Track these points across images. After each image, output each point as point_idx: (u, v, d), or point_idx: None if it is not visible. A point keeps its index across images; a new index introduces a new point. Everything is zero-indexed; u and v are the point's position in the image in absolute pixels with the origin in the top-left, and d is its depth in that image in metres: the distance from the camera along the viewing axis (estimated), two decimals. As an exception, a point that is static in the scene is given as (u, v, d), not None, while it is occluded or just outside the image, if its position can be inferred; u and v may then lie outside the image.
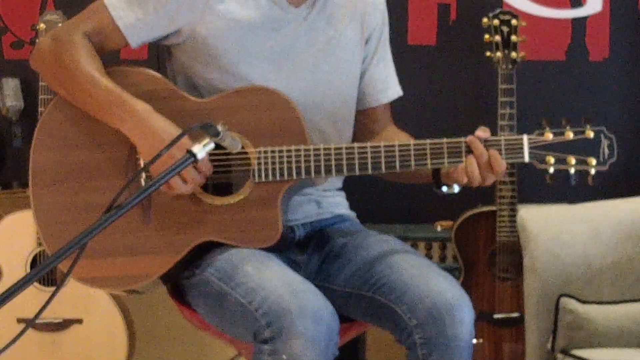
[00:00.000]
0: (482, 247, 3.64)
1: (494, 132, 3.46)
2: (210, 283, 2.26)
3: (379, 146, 2.25)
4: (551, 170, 2.21)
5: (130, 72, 2.35)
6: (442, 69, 4.12)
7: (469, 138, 2.23)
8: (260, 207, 2.27)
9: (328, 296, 2.19)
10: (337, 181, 2.53)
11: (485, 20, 3.65)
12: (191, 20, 2.33)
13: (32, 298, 3.29)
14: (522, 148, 2.21)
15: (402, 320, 2.22)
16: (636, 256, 3.09)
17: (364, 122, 2.52)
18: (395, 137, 2.46)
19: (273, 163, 2.26)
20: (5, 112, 3.95)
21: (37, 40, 3.66)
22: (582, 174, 2.22)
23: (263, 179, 2.27)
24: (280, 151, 2.26)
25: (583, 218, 3.16)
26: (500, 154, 2.21)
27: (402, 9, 4.04)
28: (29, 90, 3.97)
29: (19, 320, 3.56)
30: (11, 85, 3.97)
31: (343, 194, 2.57)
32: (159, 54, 2.47)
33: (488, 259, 3.63)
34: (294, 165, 2.26)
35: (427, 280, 2.24)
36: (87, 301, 3.60)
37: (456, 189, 2.29)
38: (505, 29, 3.63)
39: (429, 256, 3.79)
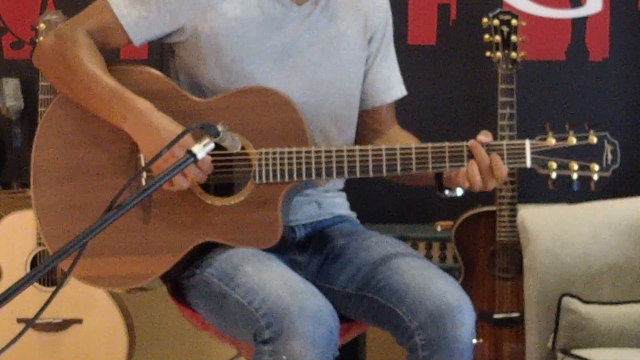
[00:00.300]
0: (482, 247, 3.64)
1: (494, 132, 3.47)
2: (211, 283, 2.26)
3: (381, 149, 2.25)
4: (553, 175, 2.20)
5: (132, 70, 2.35)
6: (442, 69, 4.12)
7: (471, 142, 2.22)
8: (261, 209, 2.27)
9: (328, 297, 2.19)
10: (338, 182, 2.53)
11: (485, 20, 3.65)
12: (193, 18, 2.33)
13: (32, 298, 3.29)
14: (524, 153, 2.20)
15: (403, 322, 2.22)
16: (636, 256, 3.09)
17: (368, 122, 2.52)
18: (400, 138, 2.46)
19: (274, 164, 2.26)
20: (5, 112, 3.95)
21: (37, 40, 3.66)
22: (585, 180, 2.20)
23: (264, 180, 2.26)
24: (282, 152, 2.26)
25: (583, 218, 3.16)
26: (502, 158, 2.20)
27: (402, 9, 4.04)
28: (29, 90, 3.97)
29: (19, 320, 3.56)
30: (11, 85, 3.97)
31: (344, 194, 2.57)
32: (162, 52, 2.47)
33: (488, 259, 3.63)
34: (294, 167, 2.26)
35: (428, 282, 2.23)
36: (87, 301, 3.60)
37: (459, 192, 2.28)
38: (505, 29, 3.63)
39: (428, 256, 3.79)
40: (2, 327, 3.51)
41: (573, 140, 2.19)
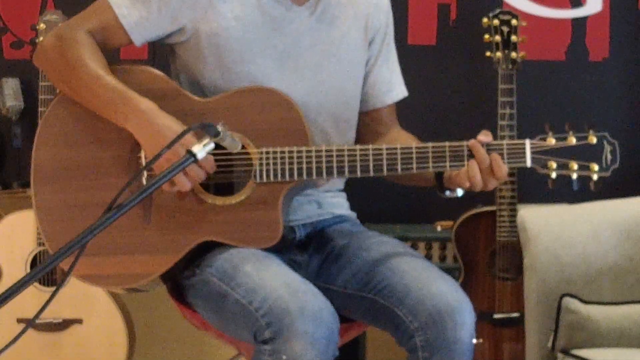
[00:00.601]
0: (482, 247, 3.64)
1: (494, 132, 3.47)
2: (211, 283, 2.26)
3: (381, 148, 2.25)
4: (553, 175, 2.20)
5: (133, 70, 2.35)
6: (442, 69, 4.12)
7: (471, 142, 2.22)
8: (261, 208, 2.27)
9: (328, 297, 2.19)
10: (338, 182, 2.53)
11: (485, 20, 3.65)
12: (194, 19, 2.33)
13: (32, 298, 3.30)
14: (524, 153, 2.20)
15: (403, 323, 2.22)
16: (636, 256, 3.09)
17: (369, 123, 2.52)
18: (401, 139, 2.46)
19: (275, 164, 2.26)
20: (5, 112, 3.95)
21: (37, 40, 3.67)
22: (585, 180, 2.21)
23: (264, 180, 2.26)
24: (282, 152, 2.26)
25: (583, 218, 3.16)
26: (502, 158, 2.21)
27: (402, 9, 4.04)
28: (29, 90, 3.97)
29: (19, 320, 3.56)
30: (11, 85, 3.96)
31: (344, 194, 2.57)
32: (165, 53, 2.47)
33: (488, 259, 3.63)
34: (295, 166, 2.26)
35: (429, 283, 2.23)
36: (87, 301, 3.60)
37: (459, 193, 2.29)
38: (505, 29, 3.64)
39: (428, 256, 3.79)
40: (2, 327, 3.51)
41: (573, 140, 2.19)
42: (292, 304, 2.10)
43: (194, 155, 1.98)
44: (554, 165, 2.20)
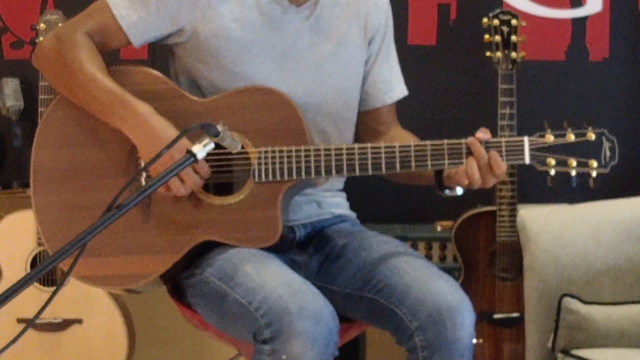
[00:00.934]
0: (482, 247, 3.64)
1: (494, 132, 3.46)
2: (210, 283, 2.26)
3: (380, 147, 2.25)
4: (552, 172, 2.20)
5: (131, 71, 2.35)
6: (442, 69, 4.11)
7: (469, 140, 2.22)
8: (261, 207, 2.27)
9: (328, 297, 2.19)
10: (337, 182, 2.53)
11: (485, 20, 3.65)
12: (193, 20, 2.33)
13: (32, 298, 3.29)
14: (522, 150, 2.21)
15: (403, 323, 2.22)
16: (636, 256, 3.09)
17: (369, 123, 2.52)
18: (401, 139, 2.46)
19: (273, 163, 2.26)
20: (5, 112, 3.95)
21: (37, 40, 3.66)
22: (584, 176, 2.21)
23: (263, 179, 2.27)
24: (281, 151, 2.26)
25: (583, 218, 3.16)
26: (501, 155, 2.21)
27: (402, 9, 4.03)
28: (29, 90, 3.97)
29: (19, 320, 3.55)
30: (11, 85, 3.96)
31: (344, 194, 2.57)
32: (165, 53, 2.47)
33: (488, 259, 3.63)
34: (294, 166, 2.26)
35: (428, 283, 2.23)
36: (87, 301, 3.60)
37: (459, 191, 2.28)
38: (505, 29, 3.63)
39: (429, 256, 3.79)
40: (2, 327, 3.51)
41: (571, 137, 2.20)
42: (291, 304, 2.10)
43: (194, 155, 1.98)
44: (552, 162, 2.20)
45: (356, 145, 2.26)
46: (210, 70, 2.36)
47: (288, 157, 2.26)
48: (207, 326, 2.38)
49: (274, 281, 2.16)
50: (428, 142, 2.24)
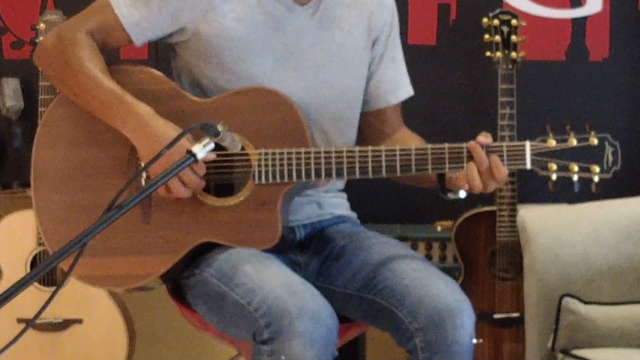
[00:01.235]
0: (482, 247, 3.64)
1: (494, 132, 3.46)
2: (210, 283, 2.26)
3: (380, 150, 2.24)
4: (554, 177, 2.19)
5: (132, 70, 2.35)
6: (442, 69, 4.11)
7: (470, 144, 2.21)
8: (260, 209, 2.27)
9: (328, 297, 2.19)
10: (338, 183, 2.53)
11: (485, 20, 3.65)
12: (194, 19, 2.33)
13: (32, 298, 3.29)
14: (524, 155, 2.19)
15: (403, 324, 2.22)
16: (636, 256, 3.09)
17: (374, 123, 2.52)
18: (406, 140, 2.45)
19: (273, 165, 2.26)
20: (5, 112, 3.95)
21: (37, 40, 3.66)
22: (586, 181, 2.19)
23: (263, 181, 2.26)
24: (281, 153, 2.26)
25: (583, 218, 3.16)
26: (502, 160, 2.20)
27: (402, 9, 4.01)
28: (29, 90, 3.97)
29: (19, 320, 3.55)
30: (11, 85, 3.96)
31: (344, 194, 2.57)
32: (167, 53, 2.47)
33: (488, 259, 3.63)
34: (294, 168, 2.26)
35: (428, 284, 2.23)
36: (87, 301, 3.59)
37: (462, 195, 2.27)
38: (505, 29, 3.63)
39: (429, 256, 3.79)
40: (2, 327, 3.50)
41: (574, 142, 2.18)
42: (291, 304, 2.10)
43: (194, 155, 1.98)
44: (554, 167, 2.19)
45: (357, 148, 2.26)
46: (211, 69, 2.36)
47: (288, 159, 2.26)
48: (207, 326, 2.38)
49: (273, 281, 2.16)
50: (429, 146, 2.23)
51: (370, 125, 2.52)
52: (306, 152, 2.25)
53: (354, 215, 2.58)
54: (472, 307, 2.22)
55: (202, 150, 1.99)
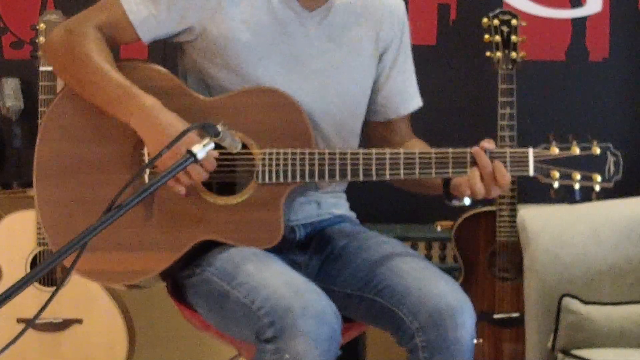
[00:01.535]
0: (482, 247, 3.64)
1: (494, 133, 3.47)
2: (211, 282, 2.26)
3: (384, 153, 2.24)
4: (556, 185, 2.19)
5: (139, 66, 2.35)
6: (442, 69, 4.11)
7: (474, 149, 2.21)
8: (263, 209, 2.27)
9: (328, 297, 2.19)
10: (340, 185, 2.52)
11: (485, 20, 3.65)
12: (202, 19, 2.33)
13: (32, 298, 3.29)
14: (527, 161, 2.19)
15: (404, 323, 2.22)
16: (636, 256, 3.09)
17: (383, 133, 2.51)
18: (414, 148, 2.44)
19: (277, 165, 2.26)
20: (5, 112, 3.95)
21: (37, 41, 3.66)
22: (586, 188, 2.20)
23: (267, 181, 2.26)
24: (285, 153, 2.26)
25: (583, 218, 3.16)
26: (505, 166, 2.20)
27: (402, 9, 4.03)
28: (29, 90, 3.97)
29: (19, 320, 3.55)
30: (11, 85, 3.96)
31: (344, 195, 2.57)
32: (175, 52, 2.47)
33: (488, 259, 3.63)
34: (298, 168, 2.26)
35: (429, 284, 2.23)
36: (87, 301, 3.59)
37: (467, 201, 2.27)
38: (505, 29, 3.63)
39: (428, 256, 3.79)
40: (2, 327, 3.50)
41: (576, 150, 2.18)
42: (294, 303, 2.10)
43: (194, 155, 1.98)
44: (556, 174, 2.19)
45: (361, 151, 2.26)
46: (217, 70, 2.36)
47: (292, 159, 2.26)
48: (207, 326, 2.38)
49: (276, 280, 2.16)
50: (433, 150, 2.24)
51: (379, 135, 2.51)
52: (310, 153, 2.25)
53: (353, 215, 2.58)
54: (473, 307, 2.22)
55: (202, 150, 1.99)
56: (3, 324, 3.51)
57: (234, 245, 2.29)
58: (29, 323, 3.39)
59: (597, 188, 2.19)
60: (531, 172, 2.20)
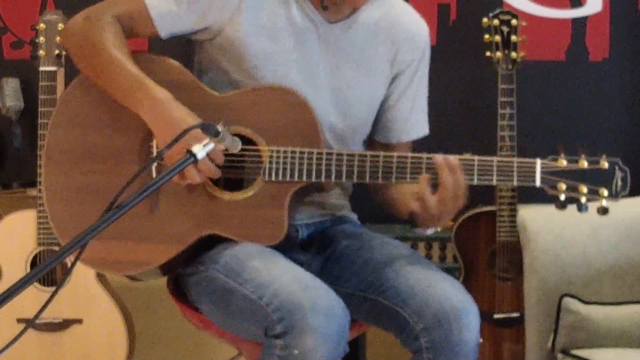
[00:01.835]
0: (482, 247, 3.63)
1: (494, 132, 3.46)
2: (216, 279, 2.26)
3: (392, 156, 2.25)
4: (562, 197, 2.19)
5: (154, 59, 2.36)
6: (442, 69, 4.10)
7: (436, 160, 2.21)
8: (268, 206, 2.28)
9: (334, 294, 2.20)
10: (344, 185, 2.53)
11: (485, 20, 3.65)
12: (220, 20, 2.34)
13: (32, 298, 3.29)
14: (534, 172, 2.19)
15: (408, 324, 2.22)
16: (636, 256, 3.09)
17: (382, 150, 2.50)
18: None
19: (284, 163, 2.26)
20: (5, 112, 3.95)
21: (37, 41, 3.66)
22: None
23: (273, 178, 2.27)
24: (293, 152, 2.26)
25: (583, 218, 3.15)
26: (512, 177, 2.20)
27: (402, 9, 4.02)
28: (29, 90, 3.97)
29: (19, 320, 3.55)
30: (11, 85, 3.96)
31: (347, 196, 2.57)
32: (191, 49, 2.48)
33: (488, 259, 3.63)
34: (305, 167, 2.26)
35: (433, 285, 2.23)
36: (87, 301, 3.59)
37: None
38: (505, 29, 3.63)
39: (428, 256, 3.79)
40: (2, 327, 3.50)
41: (584, 164, 2.18)
42: (304, 299, 2.10)
43: (194, 155, 1.98)
44: (563, 187, 2.18)
45: (368, 153, 2.27)
46: (232, 71, 2.36)
47: (300, 158, 2.26)
48: (207, 325, 2.38)
49: (284, 276, 2.16)
50: (440, 156, 2.24)
51: (378, 150, 2.51)
52: (318, 153, 2.26)
53: (355, 216, 2.58)
54: (477, 308, 2.23)
55: (202, 150, 1.99)
56: (3, 324, 3.51)
57: (237, 242, 2.29)
58: (29, 323, 3.39)
59: (604, 203, 2.18)
60: (538, 183, 2.20)
